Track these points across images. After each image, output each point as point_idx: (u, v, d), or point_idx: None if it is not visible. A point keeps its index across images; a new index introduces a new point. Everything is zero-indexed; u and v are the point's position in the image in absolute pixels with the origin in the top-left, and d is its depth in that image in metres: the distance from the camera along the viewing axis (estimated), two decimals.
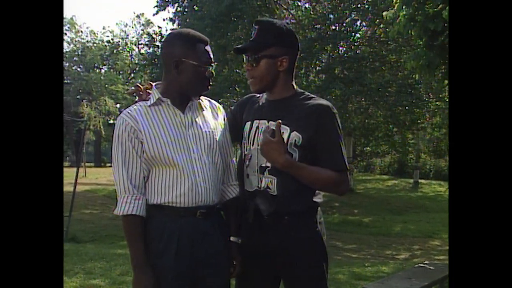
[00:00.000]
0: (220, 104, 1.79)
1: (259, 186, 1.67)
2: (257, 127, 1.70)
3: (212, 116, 1.69)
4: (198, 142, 1.60)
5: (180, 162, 1.55)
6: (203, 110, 1.67)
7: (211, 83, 1.63)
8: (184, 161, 1.56)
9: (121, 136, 1.55)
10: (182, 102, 1.61)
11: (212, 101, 1.74)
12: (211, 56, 1.61)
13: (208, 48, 1.61)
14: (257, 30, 1.67)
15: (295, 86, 1.74)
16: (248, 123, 1.73)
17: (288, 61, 1.67)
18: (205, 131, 1.63)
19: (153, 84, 1.65)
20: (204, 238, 1.59)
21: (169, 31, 14.18)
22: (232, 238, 1.69)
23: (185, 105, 1.62)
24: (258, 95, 1.79)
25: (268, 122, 1.67)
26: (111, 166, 1.65)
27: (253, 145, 1.69)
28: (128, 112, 1.58)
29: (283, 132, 1.63)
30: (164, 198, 1.56)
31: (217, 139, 1.65)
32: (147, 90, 1.66)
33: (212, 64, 1.62)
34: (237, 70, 11.69)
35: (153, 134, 1.55)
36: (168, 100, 1.59)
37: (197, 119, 1.63)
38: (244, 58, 1.70)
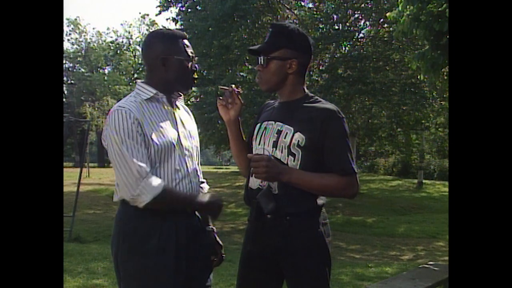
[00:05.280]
0: None
1: (262, 184, 1.68)
2: (265, 128, 1.73)
3: (189, 117, 1.78)
4: (187, 140, 1.67)
5: (177, 159, 1.60)
6: (181, 111, 1.73)
7: (196, 76, 1.68)
8: (180, 158, 1.61)
9: (129, 128, 1.50)
10: (169, 101, 1.66)
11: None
12: (191, 49, 1.67)
13: (187, 42, 1.66)
14: (270, 32, 1.72)
15: (306, 90, 1.75)
16: (258, 125, 1.77)
17: (297, 64, 1.69)
18: (190, 130, 1.71)
19: (138, 81, 1.67)
20: (196, 233, 1.65)
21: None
22: (207, 228, 1.76)
23: (171, 104, 1.67)
24: (277, 100, 1.81)
25: (275, 123, 1.70)
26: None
27: (259, 144, 1.73)
28: (127, 105, 1.54)
29: (286, 133, 1.64)
30: None
31: (198, 139, 1.75)
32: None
33: (195, 58, 1.67)
34: (241, 73, 11.66)
35: (153, 129, 1.56)
36: (164, 96, 1.63)
37: (182, 119, 1.70)
38: (258, 60, 1.72)
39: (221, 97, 1.76)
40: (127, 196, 1.52)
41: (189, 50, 1.65)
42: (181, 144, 1.63)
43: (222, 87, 1.79)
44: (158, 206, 1.53)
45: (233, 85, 1.78)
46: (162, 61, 1.60)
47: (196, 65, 1.68)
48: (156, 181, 1.52)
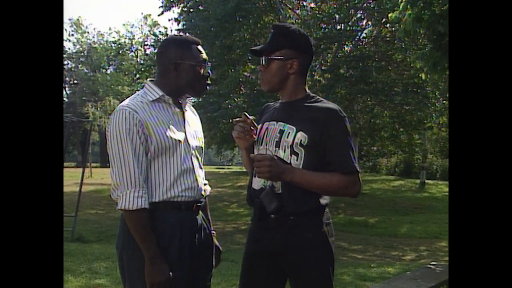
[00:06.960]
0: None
1: (265, 184, 1.69)
2: (267, 128, 1.74)
3: (195, 118, 1.80)
4: (193, 140, 1.70)
5: (183, 157, 1.63)
6: (188, 112, 1.75)
7: (208, 81, 1.70)
8: (186, 157, 1.64)
9: (130, 130, 1.53)
10: (176, 103, 1.69)
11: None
12: (205, 55, 1.69)
13: (201, 48, 1.68)
14: (272, 33, 1.74)
15: (307, 90, 1.76)
16: (259, 126, 1.78)
17: (298, 64, 1.70)
18: (195, 131, 1.73)
19: (148, 80, 1.70)
20: (199, 231, 1.68)
21: (174, 32, 14.20)
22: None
23: (178, 106, 1.70)
24: (278, 101, 1.83)
25: (276, 123, 1.71)
26: None
27: (261, 145, 1.74)
28: (133, 105, 1.58)
29: (289, 132, 1.64)
30: (168, 194, 1.60)
31: (203, 140, 1.77)
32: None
33: (208, 63, 1.69)
34: (245, 73, 11.66)
35: (159, 127, 1.59)
36: (171, 98, 1.65)
37: (189, 120, 1.72)
38: (260, 60, 1.73)
39: (236, 124, 1.76)
40: (112, 195, 1.58)
41: (203, 56, 1.67)
42: (188, 143, 1.66)
43: (235, 119, 1.79)
44: (127, 220, 1.56)
45: (245, 113, 1.78)
46: (175, 66, 1.63)
47: (210, 71, 1.70)
48: (137, 199, 1.52)
